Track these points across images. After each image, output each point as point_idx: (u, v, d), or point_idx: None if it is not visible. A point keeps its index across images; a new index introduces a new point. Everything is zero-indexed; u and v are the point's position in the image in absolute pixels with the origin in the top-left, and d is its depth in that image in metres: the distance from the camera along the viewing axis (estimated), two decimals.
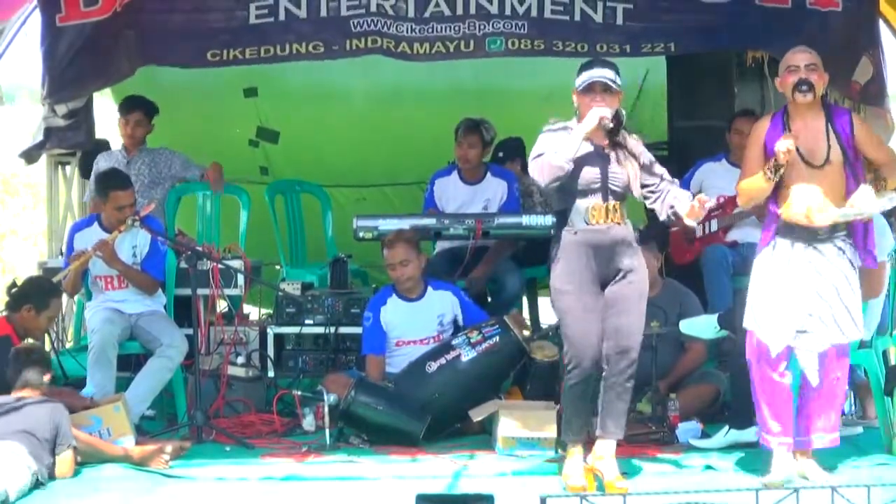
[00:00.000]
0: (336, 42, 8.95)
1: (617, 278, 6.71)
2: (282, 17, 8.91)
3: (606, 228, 6.66)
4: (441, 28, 8.95)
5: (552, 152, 6.57)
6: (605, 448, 6.73)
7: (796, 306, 6.67)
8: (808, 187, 6.66)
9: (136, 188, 8.82)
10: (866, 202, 6.53)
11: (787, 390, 6.75)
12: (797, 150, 6.66)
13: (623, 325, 6.68)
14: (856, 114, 6.97)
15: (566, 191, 6.65)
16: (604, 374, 6.71)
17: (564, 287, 6.68)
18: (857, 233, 6.74)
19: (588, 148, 6.66)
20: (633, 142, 6.81)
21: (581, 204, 6.65)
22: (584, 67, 6.77)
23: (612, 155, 6.71)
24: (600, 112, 6.60)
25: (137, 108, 9.45)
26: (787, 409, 6.75)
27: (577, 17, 9.01)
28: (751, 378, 6.84)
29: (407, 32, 8.94)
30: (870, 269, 7.28)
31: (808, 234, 6.67)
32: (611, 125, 6.65)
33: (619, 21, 9.03)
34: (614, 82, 6.67)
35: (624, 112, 6.73)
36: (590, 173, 6.67)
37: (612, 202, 6.67)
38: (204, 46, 8.89)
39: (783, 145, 6.58)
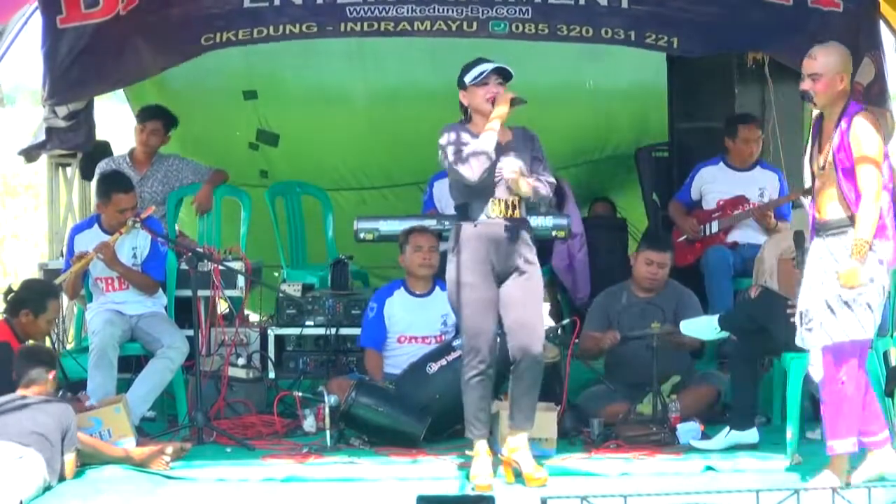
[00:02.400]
0: (330, 24, 8.92)
1: (513, 276, 6.82)
2: (276, 1, 8.90)
3: (506, 222, 6.78)
4: (443, 9, 8.93)
5: (472, 147, 6.69)
6: (518, 440, 6.87)
7: (801, 305, 6.60)
8: None
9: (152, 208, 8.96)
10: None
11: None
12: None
13: (519, 321, 6.80)
14: (866, 115, 6.65)
15: (468, 185, 6.75)
16: (510, 369, 6.86)
17: (464, 279, 6.79)
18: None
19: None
20: (527, 134, 6.98)
21: (482, 197, 6.77)
22: (471, 65, 6.87)
23: (509, 149, 6.83)
24: (511, 96, 6.75)
25: (156, 118, 9.48)
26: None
27: (582, 1, 8.98)
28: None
29: (408, 13, 8.92)
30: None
31: (826, 230, 6.56)
32: (522, 104, 6.77)
33: (625, 4, 8.99)
34: (508, 68, 6.82)
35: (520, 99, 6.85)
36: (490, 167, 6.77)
37: (511, 197, 6.79)
38: (199, 34, 8.88)
39: None
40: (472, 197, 6.80)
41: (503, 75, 6.82)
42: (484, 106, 6.81)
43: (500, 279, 6.82)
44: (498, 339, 7.36)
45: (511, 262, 6.81)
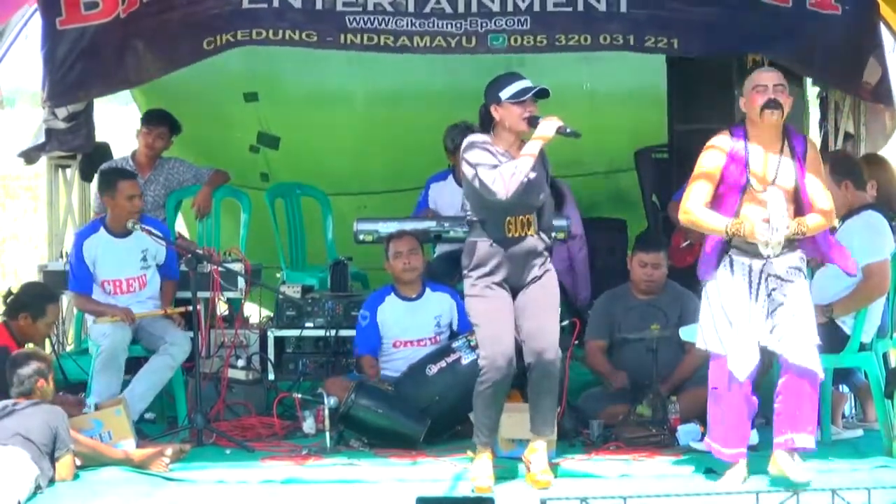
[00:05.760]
0: (330, 34, 8.93)
1: (529, 284, 6.88)
2: (276, 4, 8.91)
3: (521, 239, 6.82)
4: (442, 24, 8.93)
5: (509, 165, 6.68)
6: (538, 443, 6.93)
7: (758, 326, 6.64)
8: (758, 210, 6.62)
9: (155, 213, 9.10)
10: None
11: (753, 407, 6.77)
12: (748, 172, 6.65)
13: (534, 328, 6.86)
14: (811, 141, 6.90)
15: (485, 202, 6.76)
16: (527, 374, 6.92)
17: (479, 293, 6.85)
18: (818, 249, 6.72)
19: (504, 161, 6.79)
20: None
21: (499, 216, 6.79)
22: (506, 80, 6.83)
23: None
24: (558, 122, 6.74)
25: (163, 124, 9.51)
26: (748, 424, 6.78)
27: (581, 7, 8.98)
28: (711, 396, 6.81)
29: (407, 27, 8.92)
30: (869, 269, 7.28)
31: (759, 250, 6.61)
32: (568, 131, 6.76)
33: (623, 8, 8.99)
34: (548, 89, 6.79)
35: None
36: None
37: (527, 215, 6.82)
38: (200, 37, 8.89)
39: (761, 237, 6.53)
40: (488, 214, 6.81)
41: (540, 94, 6.80)
42: (519, 125, 6.79)
43: (517, 290, 6.88)
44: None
45: (527, 274, 6.87)
